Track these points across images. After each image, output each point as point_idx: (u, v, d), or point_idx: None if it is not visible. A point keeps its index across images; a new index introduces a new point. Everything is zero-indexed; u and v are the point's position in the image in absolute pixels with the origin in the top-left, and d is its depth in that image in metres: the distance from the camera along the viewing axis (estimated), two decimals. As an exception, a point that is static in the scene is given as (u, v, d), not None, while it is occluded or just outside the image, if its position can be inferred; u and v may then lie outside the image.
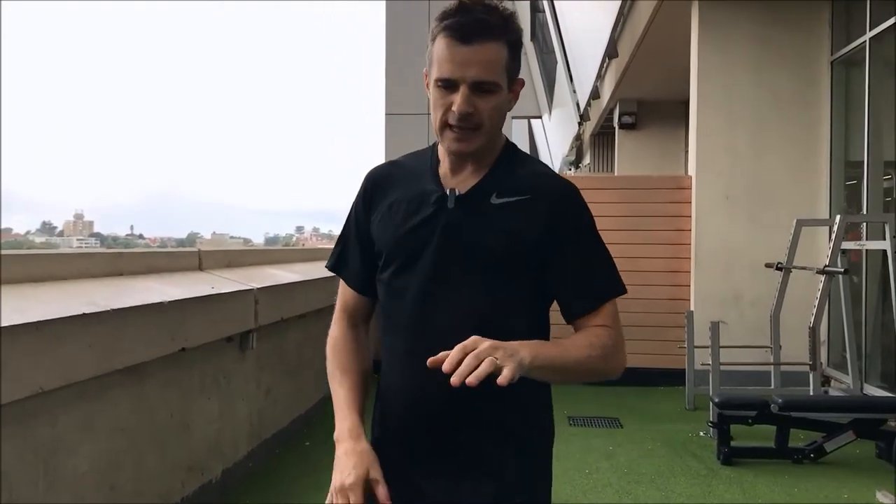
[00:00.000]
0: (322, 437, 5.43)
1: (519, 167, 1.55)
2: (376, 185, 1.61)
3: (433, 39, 1.44)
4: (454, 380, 1.21)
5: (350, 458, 1.44)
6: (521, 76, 1.52)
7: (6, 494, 2.49)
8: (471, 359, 1.24)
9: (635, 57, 9.56)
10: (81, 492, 2.93)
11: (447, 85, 1.43)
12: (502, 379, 1.22)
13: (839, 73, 7.05)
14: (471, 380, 1.21)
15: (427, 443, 1.52)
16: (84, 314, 2.79)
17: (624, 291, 1.54)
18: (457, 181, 1.52)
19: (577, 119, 16.91)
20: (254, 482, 4.46)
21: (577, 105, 16.22)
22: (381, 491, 1.40)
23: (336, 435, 1.51)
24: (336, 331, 1.68)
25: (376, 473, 1.42)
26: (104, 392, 3.06)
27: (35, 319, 2.52)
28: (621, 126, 13.09)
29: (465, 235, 1.48)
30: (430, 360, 1.26)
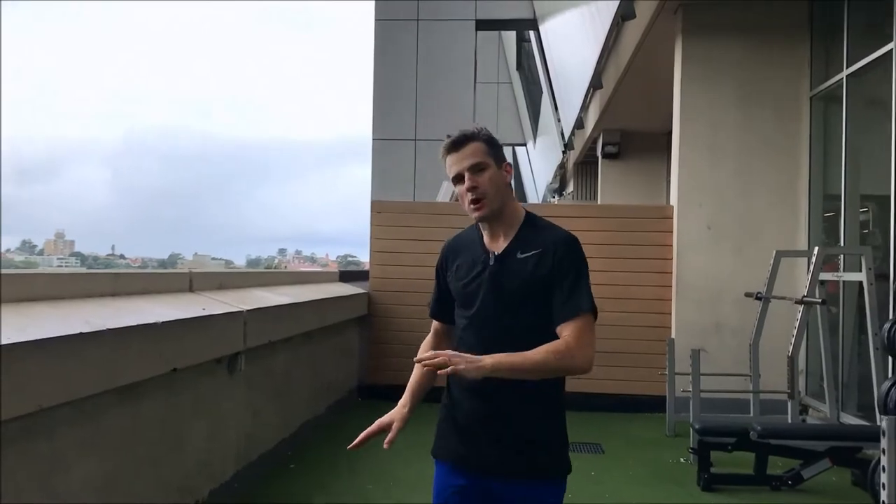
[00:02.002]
0: (307, 460, 5.46)
1: (537, 232, 2.22)
2: (449, 253, 2.36)
3: (443, 159, 2.20)
4: (427, 364, 1.98)
5: (391, 412, 2.25)
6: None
7: (4, 510, 2.54)
8: (441, 357, 1.97)
9: (619, 88, 9.75)
10: (75, 509, 2.97)
11: (458, 179, 2.18)
12: (450, 369, 1.94)
13: (818, 109, 7.25)
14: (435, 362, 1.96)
15: (477, 412, 2.20)
16: (82, 333, 2.85)
17: (589, 310, 2.13)
18: (495, 246, 2.22)
19: (562, 148, 17.14)
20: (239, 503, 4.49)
21: (562, 134, 16.45)
22: (388, 437, 2.16)
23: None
24: (428, 337, 2.47)
25: (397, 426, 2.19)
26: (100, 410, 3.11)
27: (35, 338, 2.58)
28: (605, 155, 13.28)
29: (502, 282, 2.17)
30: (417, 360, 2.09)
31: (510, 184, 2.24)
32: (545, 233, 2.22)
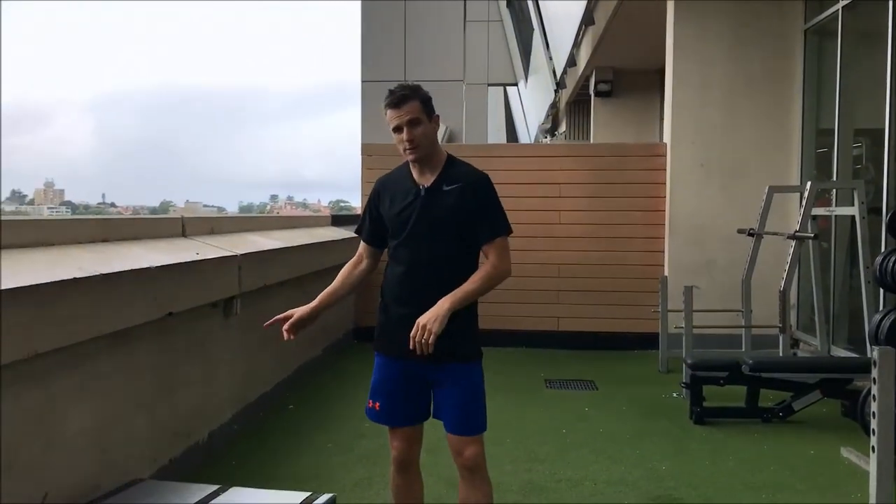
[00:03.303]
0: (305, 401, 5.53)
1: (455, 169, 2.78)
2: (382, 188, 2.87)
3: (384, 111, 2.69)
4: (419, 351, 2.55)
5: (301, 308, 2.90)
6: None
7: (5, 455, 2.56)
8: (420, 332, 2.54)
9: (612, 25, 9.60)
10: (74, 453, 3.00)
11: (397, 129, 2.67)
12: (432, 339, 2.52)
13: (812, 43, 7.16)
14: (425, 349, 2.54)
15: (406, 314, 2.67)
16: (75, 279, 2.84)
17: (507, 232, 2.75)
18: (423, 180, 2.75)
19: (553, 87, 16.93)
20: (239, 444, 4.55)
21: (554, 73, 16.24)
22: (286, 325, 2.88)
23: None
24: (349, 263, 3.01)
25: (298, 315, 2.90)
26: (94, 356, 3.12)
27: (29, 283, 2.57)
28: (597, 94, 13.12)
29: (431, 210, 2.71)
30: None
31: (437, 132, 2.78)
32: (463, 170, 2.81)
